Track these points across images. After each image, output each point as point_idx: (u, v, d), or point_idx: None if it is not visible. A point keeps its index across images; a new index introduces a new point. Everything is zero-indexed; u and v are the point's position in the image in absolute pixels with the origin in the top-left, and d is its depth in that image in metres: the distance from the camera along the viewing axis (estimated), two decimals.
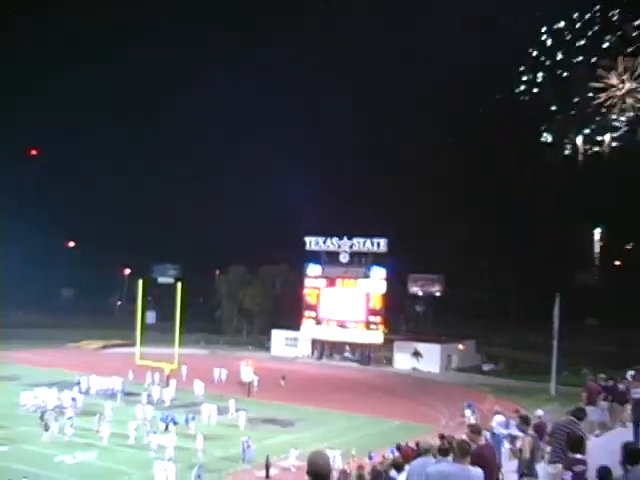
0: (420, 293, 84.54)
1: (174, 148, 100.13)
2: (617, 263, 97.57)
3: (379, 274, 65.22)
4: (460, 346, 67.10)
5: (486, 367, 64.70)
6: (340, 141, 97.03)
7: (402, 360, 64.78)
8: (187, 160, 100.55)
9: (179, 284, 47.79)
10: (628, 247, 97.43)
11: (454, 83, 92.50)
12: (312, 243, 68.40)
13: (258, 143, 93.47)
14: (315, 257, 68.70)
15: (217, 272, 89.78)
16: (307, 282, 68.78)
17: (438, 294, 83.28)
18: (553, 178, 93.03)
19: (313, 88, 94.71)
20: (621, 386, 17.28)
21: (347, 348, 69.18)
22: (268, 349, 72.23)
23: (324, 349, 69.24)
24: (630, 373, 18.19)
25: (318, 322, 67.72)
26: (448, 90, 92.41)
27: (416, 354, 64.25)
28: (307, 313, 68.53)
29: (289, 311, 72.11)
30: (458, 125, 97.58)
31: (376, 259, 65.74)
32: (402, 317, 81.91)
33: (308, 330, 68.54)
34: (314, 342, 69.39)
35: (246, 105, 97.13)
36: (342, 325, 66.49)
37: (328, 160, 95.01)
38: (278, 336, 72.21)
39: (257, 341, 76.41)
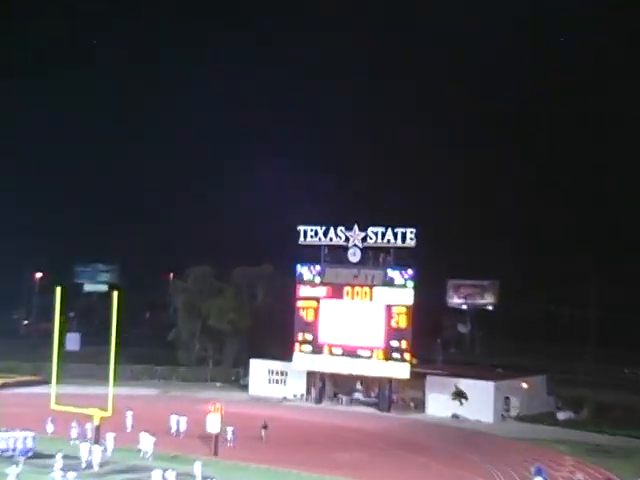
0: (465, 307, 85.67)
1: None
2: None
3: (404, 279, 64.97)
4: (524, 384, 67.13)
5: (562, 415, 64.83)
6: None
7: (438, 404, 64.85)
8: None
9: (115, 293, 47.30)
10: None
11: None
12: (308, 235, 68.33)
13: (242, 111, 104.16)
14: (312, 255, 68.59)
15: (171, 276, 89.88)
16: (301, 291, 68.72)
17: (491, 308, 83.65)
18: None
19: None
20: None
21: (358, 386, 69.38)
22: (245, 387, 72.43)
23: (325, 388, 69.29)
24: None
25: (317, 349, 67.67)
26: None
27: (459, 395, 64.15)
28: (301, 336, 68.34)
29: (275, 333, 72.22)
30: None
31: (400, 258, 65.65)
32: (438, 342, 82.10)
33: (302, 360, 68.42)
34: (311, 377, 69.55)
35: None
36: (351, 353, 66.47)
37: (327, 128, 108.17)
38: (259, 368, 72.38)
39: (229, 375, 76.73)
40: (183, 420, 51.07)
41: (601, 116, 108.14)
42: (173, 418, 51.43)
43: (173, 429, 50.75)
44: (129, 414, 49.85)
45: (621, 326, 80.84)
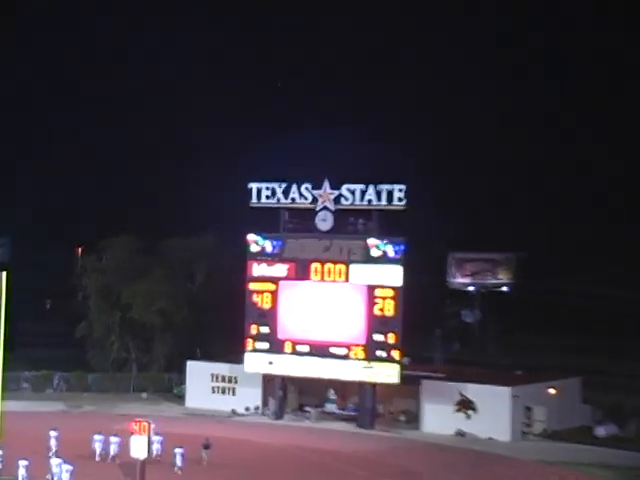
0: (471, 288, 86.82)
1: None
2: None
3: (391, 253, 65.42)
4: (551, 390, 67.66)
5: (602, 430, 65.26)
6: None
7: (437, 418, 65.48)
8: None
9: (2, 274, 47.09)
10: None
11: None
12: (263, 195, 68.90)
13: None
14: (269, 222, 69.04)
15: (79, 251, 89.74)
16: (254, 270, 69.14)
17: (506, 289, 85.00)
18: None
19: None
20: None
21: (332, 395, 70.07)
22: (180, 398, 73.26)
23: (287, 398, 70.02)
24: None
25: (275, 346, 68.21)
26: None
27: (464, 405, 64.72)
28: (254, 329, 68.72)
29: (220, 326, 73.50)
30: None
31: (386, 224, 66.25)
32: (437, 334, 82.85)
33: (256, 362, 68.83)
34: (268, 384, 70.24)
35: None
36: (322, 352, 66.98)
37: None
38: (199, 373, 73.03)
39: (159, 383, 77.34)
40: (114, 440, 51.48)
41: None
42: (97, 439, 51.94)
43: (98, 452, 51.57)
44: (52, 435, 50.60)
45: None
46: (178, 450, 49.62)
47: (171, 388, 75.53)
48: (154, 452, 49.78)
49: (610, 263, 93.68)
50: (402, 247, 65.17)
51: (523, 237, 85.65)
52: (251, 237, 68.97)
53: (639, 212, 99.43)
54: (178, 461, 49.52)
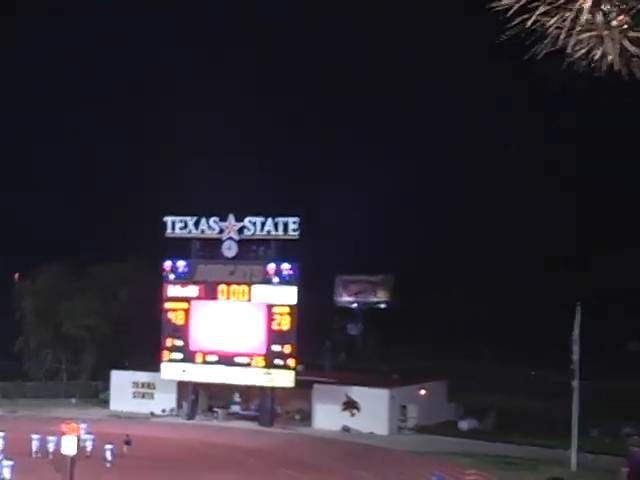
0: (355, 305, 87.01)
1: None
2: None
3: (287, 276, 65.92)
4: (422, 391, 68.37)
5: (464, 424, 66.22)
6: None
7: (327, 416, 65.82)
8: None
9: None
10: None
11: None
12: (176, 227, 68.57)
13: None
14: (182, 250, 68.98)
15: (16, 276, 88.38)
16: (170, 291, 68.86)
17: (384, 306, 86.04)
18: None
19: None
20: None
21: (237, 398, 70.09)
22: (105, 402, 72.47)
23: (198, 401, 69.79)
24: None
25: (188, 356, 67.98)
26: None
27: (349, 405, 65.11)
28: (170, 342, 68.39)
29: (140, 340, 71.95)
30: None
31: (283, 251, 66.61)
32: (327, 346, 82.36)
33: (171, 370, 68.53)
34: (182, 389, 70.06)
35: None
36: (228, 361, 66.94)
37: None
38: (121, 381, 72.37)
39: (86, 389, 76.40)
40: (51, 439, 51.21)
41: None
42: (35, 438, 52.00)
43: (34, 449, 51.66)
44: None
45: (527, 324, 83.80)
46: (108, 447, 49.74)
47: (97, 394, 74.61)
48: (87, 449, 50.14)
49: (469, 281, 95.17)
50: (296, 271, 65.71)
51: (397, 261, 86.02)
52: (167, 263, 68.79)
53: (495, 238, 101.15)
54: (108, 456, 49.59)
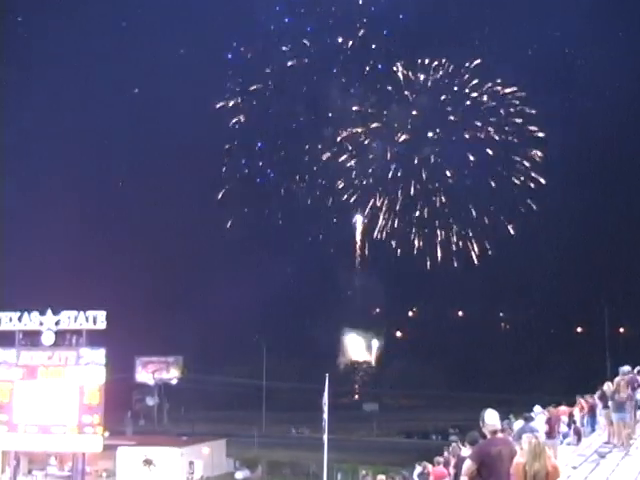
0: (152, 381, 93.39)
1: None
2: (398, 334, 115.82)
3: (95, 359, 71.17)
4: (205, 448, 75.09)
5: (240, 474, 74.57)
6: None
7: (129, 472, 71.91)
8: None
9: None
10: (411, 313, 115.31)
11: None
12: (4, 321, 72.90)
13: None
14: (8, 340, 73.34)
15: None
16: None
17: (175, 381, 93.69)
18: None
19: None
20: None
21: (53, 461, 76.06)
22: None
23: (19, 465, 73.86)
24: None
25: (11, 429, 71.50)
26: None
27: (147, 462, 71.94)
28: None
29: None
30: None
31: (92, 339, 71.70)
32: (129, 415, 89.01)
33: None
34: (5, 456, 73.89)
35: None
36: (46, 430, 70.80)
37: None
38: None
39: None
40: None
41: None
42: None
43: None
44: None
45: (286, 394, 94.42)
46: None
47: None
48: None
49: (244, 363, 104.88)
50: (103, 355, 71.16)
51: (187, 345, 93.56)
52: None
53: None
54: None
